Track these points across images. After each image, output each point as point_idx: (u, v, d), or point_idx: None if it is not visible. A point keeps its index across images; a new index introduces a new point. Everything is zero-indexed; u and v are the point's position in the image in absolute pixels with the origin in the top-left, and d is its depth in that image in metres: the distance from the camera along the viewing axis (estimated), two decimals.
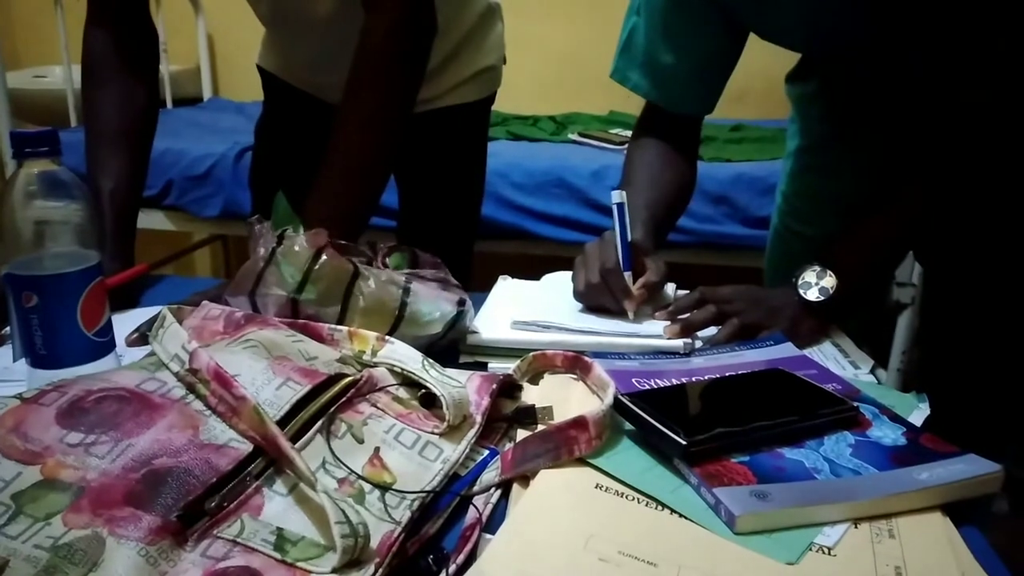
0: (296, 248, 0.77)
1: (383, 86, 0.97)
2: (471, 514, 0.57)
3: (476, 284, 1.07)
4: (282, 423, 0.55)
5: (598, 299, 0.90)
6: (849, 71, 1.09)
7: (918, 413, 0.71)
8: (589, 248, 0.94)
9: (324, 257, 0.78)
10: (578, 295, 0.92)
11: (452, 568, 0.50)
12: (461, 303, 0.82)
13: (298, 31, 1.24)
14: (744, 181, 2.07)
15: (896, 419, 0.67)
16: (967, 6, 0.85)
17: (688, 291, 0.93)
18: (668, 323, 0.87)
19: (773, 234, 1.31)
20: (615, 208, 0.91)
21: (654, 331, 0.85)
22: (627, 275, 0.89)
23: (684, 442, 0.59)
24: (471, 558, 0.52)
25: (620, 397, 0.65)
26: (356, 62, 0.96)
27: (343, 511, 0.47)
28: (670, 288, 0.97)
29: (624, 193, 0.92)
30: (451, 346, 0.83)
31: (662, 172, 1.05)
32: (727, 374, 0.75)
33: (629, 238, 0.90)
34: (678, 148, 1.08)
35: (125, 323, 0.86)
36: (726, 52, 1.04)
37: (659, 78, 1.04)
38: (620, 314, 0.89)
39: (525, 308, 0.90)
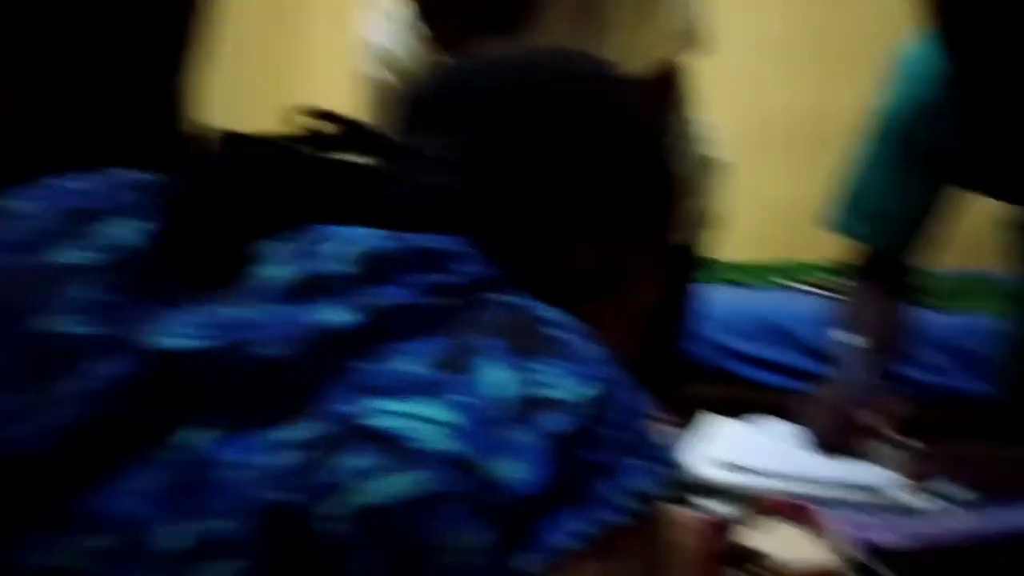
0: None
1: None
2: None
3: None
4: None
5: (843, 443, 0.88)
6: None
7: None
8: (820, 394, 0.94)
9: None
10: (817, 442, 0.90)
11: None
12: None
13: None
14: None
15: None
16: None
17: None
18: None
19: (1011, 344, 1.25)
20: (849, 352, 0.92)
21: (890, 481, 0.80)
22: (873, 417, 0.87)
23: None
24: None
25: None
26: None
27: None
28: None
29: (858, 337, 0.94)
30: None
31: (884, 316, 1.06)
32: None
33: (867, 381, 0.91)
34: (897, 292, 1.10)
35: None
36: (939, 204, 1.08)
37: (883, 228, 1.08)
38: (864, 457, 0.86)
39: (735, 449, 0.86)
